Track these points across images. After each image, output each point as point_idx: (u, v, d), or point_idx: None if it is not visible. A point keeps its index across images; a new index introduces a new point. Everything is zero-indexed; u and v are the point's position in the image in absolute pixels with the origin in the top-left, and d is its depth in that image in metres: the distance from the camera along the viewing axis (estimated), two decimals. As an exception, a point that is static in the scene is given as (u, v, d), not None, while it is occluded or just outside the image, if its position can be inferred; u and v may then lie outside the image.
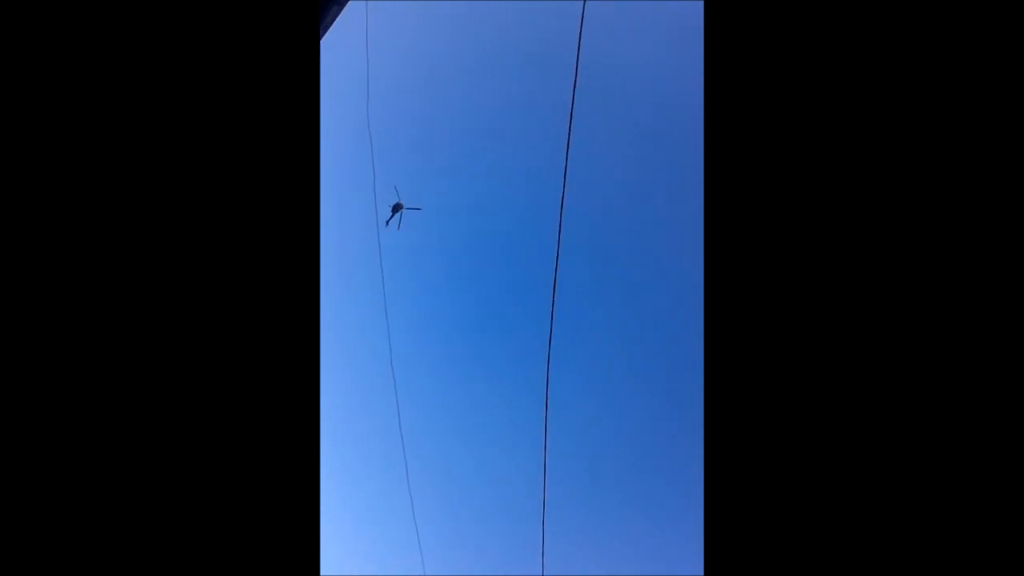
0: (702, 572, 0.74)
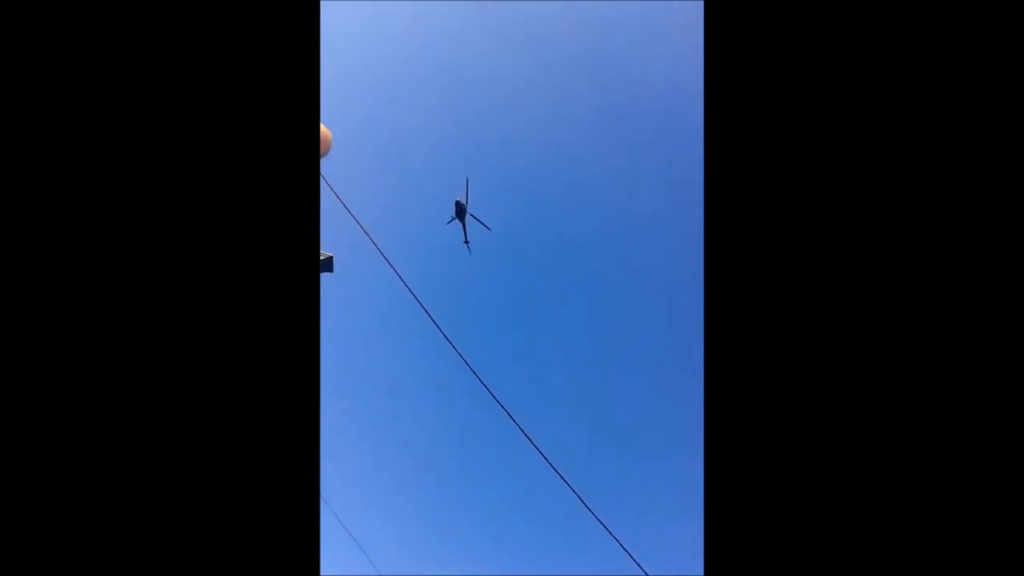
0: (702, 572, 0.72)
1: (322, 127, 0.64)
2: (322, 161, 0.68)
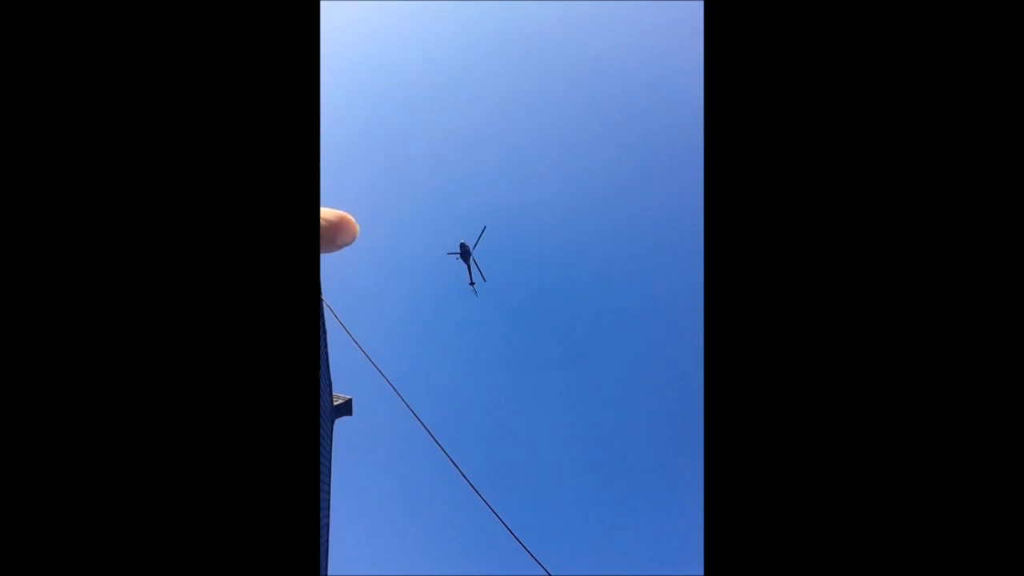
0: (702, 572, 0.73)
1: (349, 217, 0.67)
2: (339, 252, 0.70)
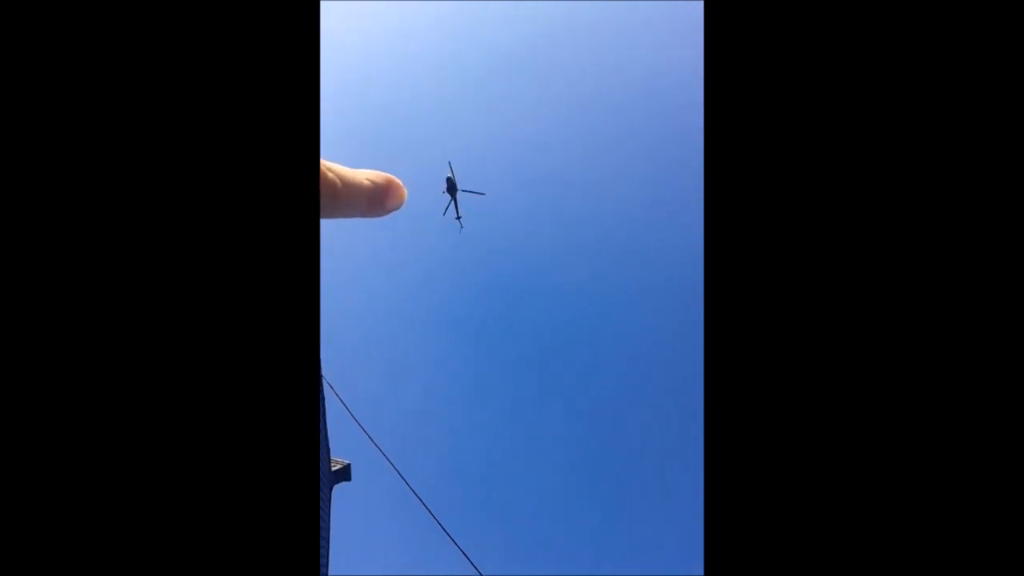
0: (702, 572, 0.74)
1: (396, 179, 0.68)
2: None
